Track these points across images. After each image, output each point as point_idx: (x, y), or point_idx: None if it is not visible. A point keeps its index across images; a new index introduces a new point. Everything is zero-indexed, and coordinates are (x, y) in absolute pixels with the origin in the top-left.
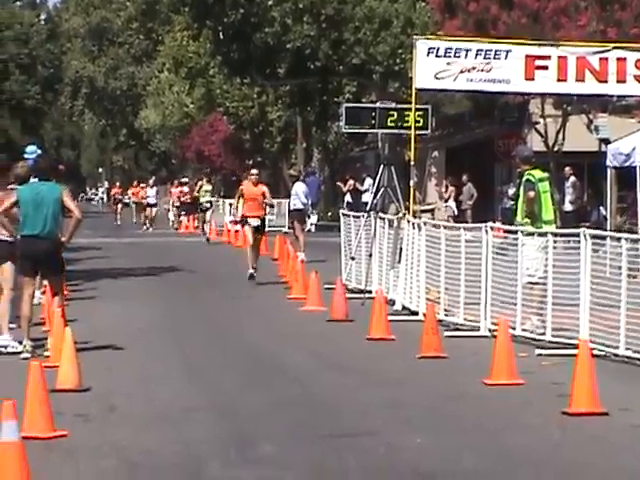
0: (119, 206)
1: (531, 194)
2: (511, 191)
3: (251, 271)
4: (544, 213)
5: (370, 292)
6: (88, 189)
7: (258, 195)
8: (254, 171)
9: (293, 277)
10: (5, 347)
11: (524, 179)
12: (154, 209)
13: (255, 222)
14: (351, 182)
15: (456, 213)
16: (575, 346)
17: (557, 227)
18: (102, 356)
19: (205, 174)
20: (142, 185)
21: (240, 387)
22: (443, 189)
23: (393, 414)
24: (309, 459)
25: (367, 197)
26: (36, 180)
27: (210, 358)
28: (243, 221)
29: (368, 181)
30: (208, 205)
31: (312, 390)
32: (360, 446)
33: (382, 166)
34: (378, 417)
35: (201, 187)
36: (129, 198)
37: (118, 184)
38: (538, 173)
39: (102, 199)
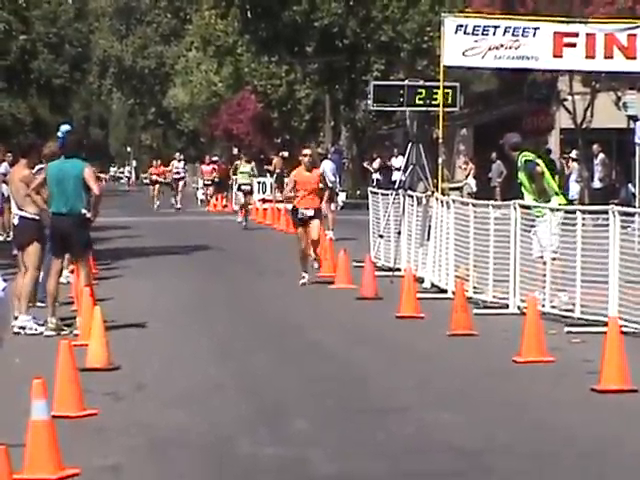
0: (157, 187)
1: (539, 169)
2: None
3: (304, 275)
4: (551, 187)
5: (399, 270)
6: (116, 168)
7: (313, 183)
8: (306, 151)
9: (322, 255)
10: (24, 328)
11: (522, 161)
12: (180, 183)
13: (309, 212)
14: (378, 160)
15: (474, 190)
16: (604, 323)
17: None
18: (131, 335)
19: (244, 153)
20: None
21: (269, 365)
22: (463, 166)
23: (423, 391)
24: (339, 436)
25: (397, 175)
26: (62, 158)
27: (239, 336)
28: (294, 217)
29: (399, 159)
30: (248, 188)
31: (342, 367)
32: (391, 422)
33: (410, 144)
34: (408, 394)
35: (236, 168)
36: (165, 178)
37: (158, 162)
38: (530, 154)
39: (128, 178)
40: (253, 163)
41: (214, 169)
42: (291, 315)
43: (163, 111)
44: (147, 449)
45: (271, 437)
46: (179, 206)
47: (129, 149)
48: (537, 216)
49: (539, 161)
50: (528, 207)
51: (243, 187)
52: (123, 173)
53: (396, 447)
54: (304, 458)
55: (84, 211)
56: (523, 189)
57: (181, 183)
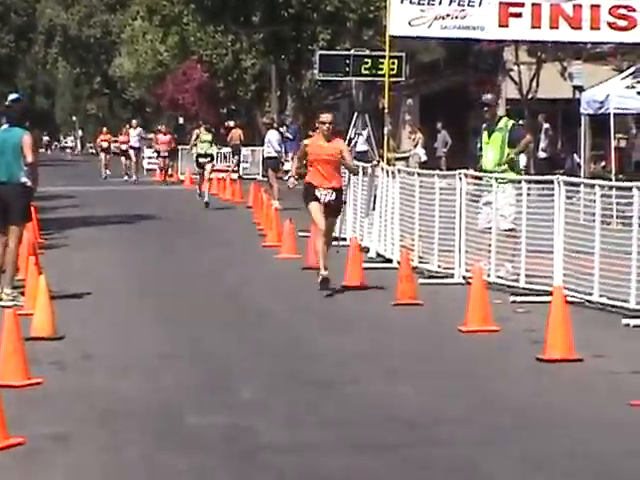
0: (105, 156)
1: (529, 137)
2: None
3: (324, 273)
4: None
5: (344, 239)
6: (62, 137)
7: (332, 156)
8: (325, 117)
9: (268, 225)
10: None
11: (508, 124)
12: (132, 152)
13: (328, 195)
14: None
15: (422, 159)
16: (549, 293)
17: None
18: (77, 304)
19: (203, 121)
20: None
21: (217, 334)
22: (412, 136)
23: (370, 361)
24: (287, 407)
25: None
26: (7, 126)
27: (186, 306)
28: (307, 194)
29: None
30: (208, 160)
31: (290, 338)
32: (338, 393)
33: (356, 114)
34: (356, 365)
35: (198, 137)
36: (117, 147)
37: (105, 129)
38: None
39: (72, 148)
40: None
41: (172, 139)
42: (237, 284)
43: (109, 80)
44: (93, 418)
45: (218, 406)
46: (135, 178)
47: (75, 118)
48: (499, 184)
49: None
50: (478, 177)
51: (201, 159)
52: (67, 143)
53: (344, 418)
54: (251, 427)
55: (24, 179)
56: (490, 151)
57: (132, 152)
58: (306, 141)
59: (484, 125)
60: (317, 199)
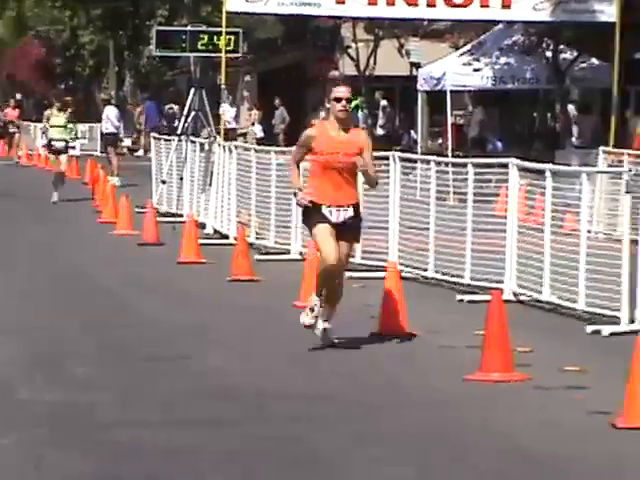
0: None
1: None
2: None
3: (323, 326)
4: None
5: (181, 216)
6: None
7: (351, 155)
8: (343, 92)
9: (104, 201)
10: None
11: (357, 105)
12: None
13: (342, 213)
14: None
15: (258, 136)
16: (384, 268)
17: None
18: None
19: (56, 97)
20: None
21: (49, 310)
22: (251, 112)
23: (204, 337)
24: (120, 382)
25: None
26: None
27: (18, 281)
28: (310, 213)
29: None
30: (62, 145)
31: (124, 313)
32: (168, 368)
33: (193, 90)
34: (189, 340)
35: (48, 119)
36: None
37: None
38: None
39: None
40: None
41: (20, 114)
42: (71, 260)
43: None
44: None
45: (49, 383)
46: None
47: None
48: None
49: None
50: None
51: (55, 145)
52: None
53: (176, 394)
54: (82, 403)
55: None
56: None
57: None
58: (310, 131)
59: None
60: (325, 219)
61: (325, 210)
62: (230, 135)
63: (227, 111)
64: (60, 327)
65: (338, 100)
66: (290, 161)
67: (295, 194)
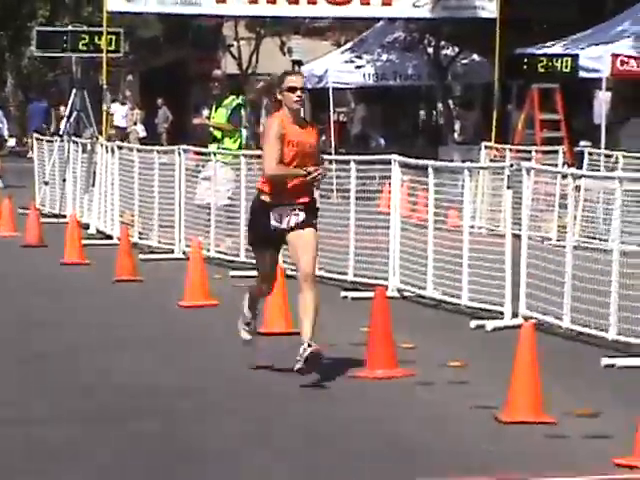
0: None
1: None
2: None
3: (311, 348)
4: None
5: (64, 216)
6: None
7: (311, 148)
8: (296, 81)
9: None
10: None
11: (233, 103)
12: None
13: (294, 216)
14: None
15: (140, 135)
16: None
17: None
18: None
19: None
20: None
21: None
22: (130, 113)
23: (89, 334)
24: (6, 380)
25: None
26: None
27: None
28: (255, 221)
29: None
30: None
31: (9, 314)
32: (55, 365)
33: (74, 90)
34: (74, 336)
35: None
36: None
37: None
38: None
39: None
40: None
41: None
42: None
43: None
44: None
45: None
46: None
47: None
48: (224, 162)
49: None
50: (199, 152)
51: None
52: None
53: (62, 390)
54: None
55: None
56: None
57: None
58: (276, 125)
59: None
60: (266, 230)
61: (273, 214)
62: (119, 135)
63: (117, 111)
64: None
65: (292, 90)
66: (272, 166)
67: (309, 173)
